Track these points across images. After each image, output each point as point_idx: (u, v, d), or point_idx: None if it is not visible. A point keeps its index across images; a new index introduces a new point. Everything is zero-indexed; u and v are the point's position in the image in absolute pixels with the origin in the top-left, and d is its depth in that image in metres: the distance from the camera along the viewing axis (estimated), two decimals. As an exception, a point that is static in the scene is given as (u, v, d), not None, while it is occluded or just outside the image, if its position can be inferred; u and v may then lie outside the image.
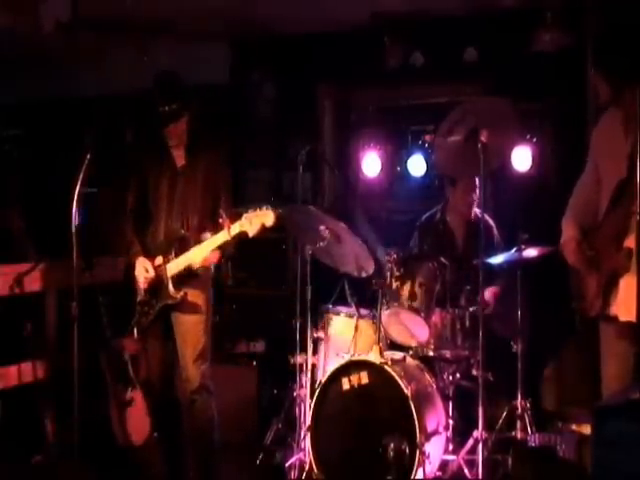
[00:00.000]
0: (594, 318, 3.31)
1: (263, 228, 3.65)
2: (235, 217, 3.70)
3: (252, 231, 3.63)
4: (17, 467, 4.06)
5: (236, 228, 3.65)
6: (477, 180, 4.80)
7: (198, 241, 3.77)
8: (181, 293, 3.77)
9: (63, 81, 6.63)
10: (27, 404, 4.26)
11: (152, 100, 3.78)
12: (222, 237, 3.68)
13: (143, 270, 3.80)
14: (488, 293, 4.55)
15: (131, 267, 3.86)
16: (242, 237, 3.68)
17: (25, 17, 5.26)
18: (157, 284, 3.81)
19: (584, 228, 3.37)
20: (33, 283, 4.27)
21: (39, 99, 6.87)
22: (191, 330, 3.82)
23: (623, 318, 3.14)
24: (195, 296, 3.83)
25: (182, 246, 3.79)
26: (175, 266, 3.78)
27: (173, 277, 3.77)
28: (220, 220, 3.67)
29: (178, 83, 3.85)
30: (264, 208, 3.64)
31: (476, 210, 4.85)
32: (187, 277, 3.80)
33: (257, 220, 3.62)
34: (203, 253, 3.72)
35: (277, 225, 3.70)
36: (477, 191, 4.85)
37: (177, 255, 3.78)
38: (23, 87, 6.68)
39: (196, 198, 3.86)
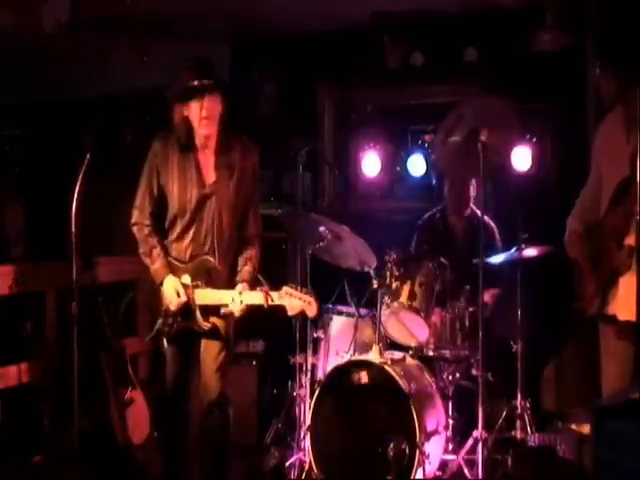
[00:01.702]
0: (592, 317, 3.31)
1: (300, 315, 3.55)
2: (257, 236, 3.65)
3: (291, 311, 3.49)
4: (17, 467, 4.06)
5: (276, 300, 3.48)
6: (471, 179, 4.83)
7: (226, 277, 3.63)
8: (209, 325, 3.63)
9: (63, 81, 6.64)
10: (27, 404, 4.26)
11: (179, 85, 3.52)
12: (258, 300, 3.50)
13: (174, 293, 3.59)
14: (487, 295, 4.54)
15: (158, 280, 3.64)
16: (277, 308, 3.53)
17: (25, 17, 5.27)
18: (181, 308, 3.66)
19: (587, 225, 3.38)
20: (33, 283, 4.27)
21: (39, 99, 6.87)
22: (213, 344, 3.70)
23: (622, 317, 3.13)
24: (220, 323, 3.69)
25: (211, 278, 3.61)
26: (204, 297, 3.60)
27: (201, 307, 3.61)
28: (259, 289, 3.52)
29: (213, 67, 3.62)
30: (309, 294, 3.48)
31: (476, 210, 4.85)
32: (215, 309, 3.65)
33: (299, 305, 3.46)
34: (237, 307, 3.54)
35: (316, 318, 3.71)
36: (471, 189, 4.86)
37: (207, 285, 3.61)
38: (23, 87, 6.68)
39: (227, 222, 3.63)
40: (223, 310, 3.60)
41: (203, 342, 3.70)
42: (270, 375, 5.14)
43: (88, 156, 3.66)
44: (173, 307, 3.60)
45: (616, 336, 3.22)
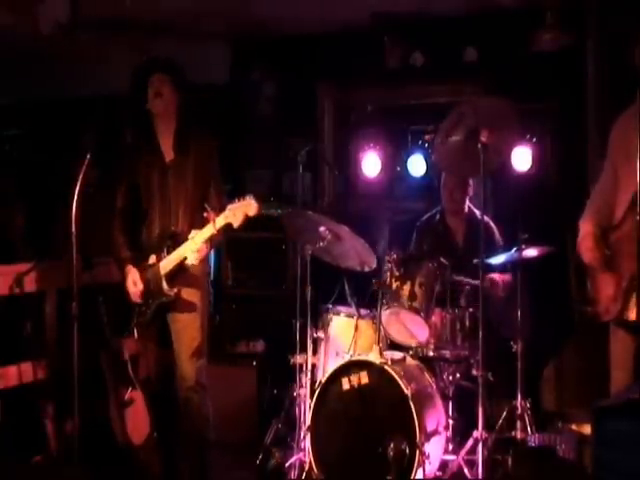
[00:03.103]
0: (607, 322, 3.21)
1: (246, 218, 3.67)
2: (221, 210, 3.74)
3: (236, 222, 3.66)
4: (17, 467, 4.06)
5: (221, 221, 3.67)
6: (467, 179, 4.83)
7: (187, 237, 3.78)
8: (174, 290, 3.79)
9: (63, 81, 6.63)
10: (27, 404, 4.26)
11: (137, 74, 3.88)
12: (208, 231, 3.70)
13: (132, 284, 3.84)
14: (497, 276, 4.55)
15: (123, 274, 3.89)
16: (228, 229, 3.72)
17: (24, 17, 5.26)
18: (152, 283, 3.82)
19: (602, 227, 3.28)
20: (33, 283, 4.27)
21: (39, 99, 6.87)
22: (186, 328, 3.84)
23: None
24: (190, 294, 3.85)
25: (174, 243, 3.80)
26: (168, 263, 3.80)
27: (166, 275, 3.79)
28: (205, 214, 3.70)
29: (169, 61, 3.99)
30: (247, 198, 3.66)
31: (475, 210, 4.86)
32: (181, 275, 3.81)
33: (240, 211, 3.65)
34: (192, 247, 3.72)
35: (259, 214, 3.73)
36: (469, 189, 4.86)
37: (169, 252, 3.80)
38: (23, 87, 6.68)
39: (187, 192, 3.86)
40: (187, 262, 3.77)
41: (175, 315, 3.84)
42: (270, 375, 5.15)
43: (88, 156, 3.67)
44: (133, 296, 3.84)
45: (631, 342, 3.13)
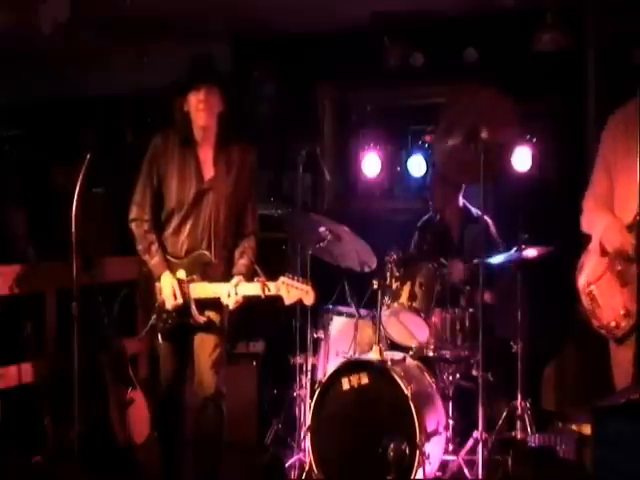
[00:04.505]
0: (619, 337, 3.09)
1: (299, 303, 3.55)
2: (254, 232, 3.67)
3: (287, 300, 3.50)
4: (17, 467, 4.06)
5: (273, 290, 3.50)
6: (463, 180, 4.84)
7: (222, 269, 3.64)
8: (204, 319, 3.63)
9: (63, 81, 6.63)
10: (27, 404, 4.26)
11: (181, 82, 3.60)
12: (255, 291, 3.52)
13: (172, 294, 3.59)
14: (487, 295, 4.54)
15: (154, 276, 3.66)
16: (274, 299, 3.55)
17: (24, 17, 5.26)
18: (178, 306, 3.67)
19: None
20: (33, 283, 4.27)
21: (39, 99, 6.87)
22: (209, 340, 3.70)
23: None
24: (215, 317, 3.70)
25: (206, 271, 3.62)
26: (200, 291, 3.61)
27: (196, 300, 3.62)
28: (256, 279, 3.53)
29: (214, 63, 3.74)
30: (305, 283, 3.50)
31: (470, 208, 4.87)
32: (210, 303, 3.66)
33: (296, 293, 3.48)
34: (231, 294, 3.54)
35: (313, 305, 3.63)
36: (461, 187, 4.88)
37: (202, 279, 3.61)
38: (23, 87, 6.68)
39: (223, 212, 3.65)
40: (224, 303, 3.59)
41: (198, 337, 3.71)
42: (270, 375, 5.14)
43: (88, 156, 3.66)
44: (169, 306, 3.61)
45: (632, 354, 2.98)
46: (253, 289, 3.53)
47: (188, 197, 3.63)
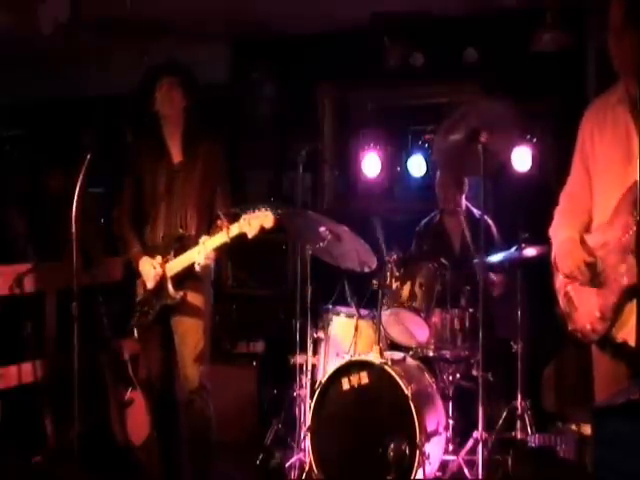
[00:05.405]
0: (591, 343, 2.96)
1: (262, 230, 3.62)
2: (233, 217, 3.68)
3: (251, 232, 3.60)
4: (17, 467, 4.06)
5: (235, 230, 3.62)
6: (463, 178, 4.85)
7: (196, 241, 3.74)
8: (180, 293, 3.75)
9: (63, 81, 6.63)
10: (27, 404, 4.26)
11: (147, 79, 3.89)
12: (221, 238, 3.65)
13: (151, 268, 3.75)
14: (494, 276, 4.56)
15: (133, 267, 3.83)
16: (241, 238, 3.66)
17: (24, 17, 5.26)
18: (157, 284, 3.79)
19: (580, 233, 2.97)
20: (33, 283, 4.28)
21: (39, 99, 6.87)
22: (190, 332, 3.81)
23: (633, 343, 2.58)
24: (194, 298, 3.82)
25: (181, 246, 3.76)
26: (174, 266, 3.75)
27: (172, 277, 3.75)
28: (218, 222, 3.65)
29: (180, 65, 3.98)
30: (262, 209, 3.61)
31: (473, 209, 4.86)
32: (187, 278, 3.78)
33: (256, 222, 3.59)
34: (203, 254, 3.68)
35: (276, 226, 3.67)
36: (463, 187, 4.88)
37: (176, 255, 3.76)
38: (23, 87, 6.68)
39: (194, 195, 3.83)
40: (196, 267, 3.71)
41: (179, 323, 3.80)
42: (270, 375, 5.14)
43: (88, 156, 3.66)
44: (150, 285, 3.75)
45: (616, 365, 2.87)
46: (219, 238, 3.66)
47: (161, 184, 3.83)
